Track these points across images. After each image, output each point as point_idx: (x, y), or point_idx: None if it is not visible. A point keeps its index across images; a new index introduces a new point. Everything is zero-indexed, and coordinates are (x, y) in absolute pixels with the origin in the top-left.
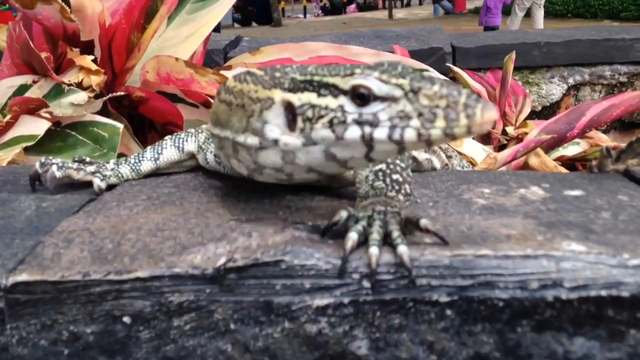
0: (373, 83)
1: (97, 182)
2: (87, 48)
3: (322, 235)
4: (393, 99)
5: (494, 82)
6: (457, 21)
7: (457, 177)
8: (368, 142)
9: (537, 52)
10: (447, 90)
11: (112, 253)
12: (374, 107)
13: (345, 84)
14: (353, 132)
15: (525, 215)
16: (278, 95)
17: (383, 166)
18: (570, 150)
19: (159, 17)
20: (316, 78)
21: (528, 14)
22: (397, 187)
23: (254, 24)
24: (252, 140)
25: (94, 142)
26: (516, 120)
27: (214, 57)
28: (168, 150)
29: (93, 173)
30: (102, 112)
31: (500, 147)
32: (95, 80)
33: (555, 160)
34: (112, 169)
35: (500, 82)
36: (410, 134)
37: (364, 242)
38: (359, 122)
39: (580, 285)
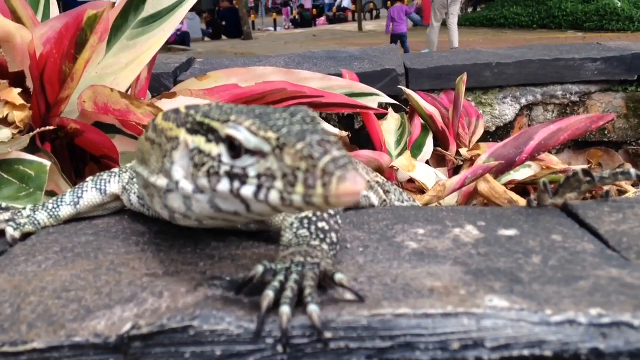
0: (242, 134)
1: (10, 232)
2: (17, 79)
3: (236, 293)
4: (262, 154)
5: (447, 104)
6: (426, 33)
7: (394, 216)
8: (240, 197)
9: (489, 73)
10: (309, 151)
11: (9, 320)
12: (245, 160)
13: (222, 131)
14: (224, 186)
15: (455, 262)
16: (182, 134)
17: (309, 213)
18: (522, 173)
19: (90, 47)
20: (207, 121)
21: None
22: (322, 236)
23: (224, 37)
24: (162, 182)
25: (19, 181)
26: (470, 142)
27: (163, 81)
28: (89, 194)
29: (7, 221)
30: (32, 148)
31: (455, 169)
32: (19, 116)
33: (505, 184)
34: (27, 216)
35: (453, 103)
36: (274, 197)
37: (279, 299)
38: (230, 175)
39: (502, 345)
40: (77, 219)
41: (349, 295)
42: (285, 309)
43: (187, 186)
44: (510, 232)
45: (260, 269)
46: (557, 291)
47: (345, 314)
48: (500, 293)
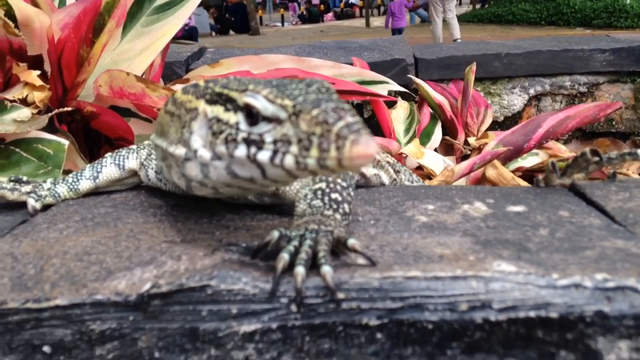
0: (260, 102)
1: (32, 203)
2: (35, 62)
3: (252, 257)
4: (279, 121)
5: (457, 93)
6: (430, 30)
7: (404, 193)
8: (256, 162)
9: (498, 63)
10: (324, 117)
11: (33, 279)
12: (262, 127)
13: (240, 100)
14: (241, 151)
15: (464, 233)
16: (202, 105)
17: (323, 184)
18: (529, 161)
19: (107, 32)
20: (225, 91)
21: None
22: (334, 206)
23: (231, 32)
24: (180, 151)
25: (38, 159)
26: (478, 131)
27: (175, 69)
28: (108, 168)
29: (28, 193)
30: (49, 128)
31: (463, 158)
32: (39, 97)
33: (513, 171)
34: (48, 189)
35: (462, 93)
36: (289, 161)
37: (294, 262)
38: (247, 142)
39: (509, 306)
40: (95, 193)
41: (361, 260)
42: (299, 269)
43: (205, 153)
44: (518, 208)
45: (275, 234)
46: (564, 259)
47: (358, 276)
48: (508, 259)
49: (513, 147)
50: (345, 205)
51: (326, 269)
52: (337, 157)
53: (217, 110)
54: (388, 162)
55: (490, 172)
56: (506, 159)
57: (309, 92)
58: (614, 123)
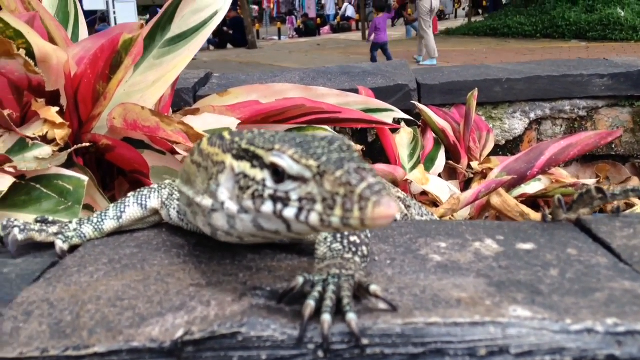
0: (285, 162)
1: (60, 244)
2: (52, 97)
3: (278, 302)
4: (304, 180)
5: (459, 118)
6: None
7: (417, 229)
8: (282, 218)
9: (499, 88)
10: (347, 178)
11: (70, 326)
12: (288, 185)
13: (267, 158)
14: (267, 207)
15: (478, 274)
16: (229, 159)
17: None
18: (532, 187)
19: (124, 68)
20: (252, 149)
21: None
22: (354, 249)
23: (229, 46)
24: (207, 202)
25: (59, 196)
26: (480, 155)
27: (183, 96)
28: (131, 208)
29: (55, 234)
30: (67, 162)
31: (466, 182)
32: (60, 134)
33: (517, 197)
34: (74, 229)
35: (464, 118)
36: (314, 218)
37: (319, 308)
38: (274, 198)
39: (526, 351)
40: (118, 232)
41: (382, 305)
42: (326, 317)
43: (232, 206)
44: (528, 246)
45: (300, 280)
46: (575, 302)
47: (381, 322)
48: (522, 303)
49: (517, 174)
50: (364, 248)
51: (351, 317)
52: (360, 218)
53: (244, 166)
54: (399, 198)
55: (495, 200)
56: (510, 185)
57: (331, 150)
58: (613, 146)
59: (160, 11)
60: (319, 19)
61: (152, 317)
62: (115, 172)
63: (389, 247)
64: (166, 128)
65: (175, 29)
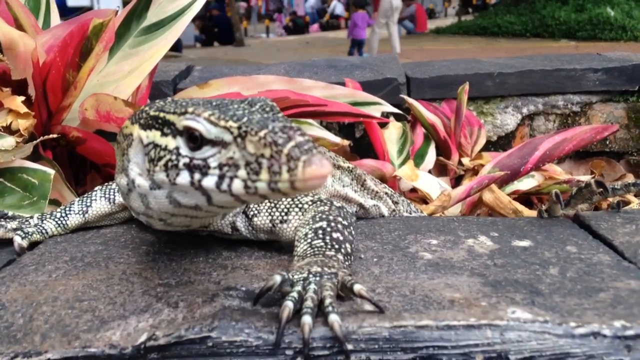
0: (202, 125)
1: (18, 241)
2: (19, 87)
3: (254, 304)
4: (224, 144)
5: (449, 113)
6: (419, 41)
7: (405, 226)
8: (201, 189)
9: (491, 83)
10: (273, 137)
11: (22, 330)
12: (205, 151)
13: (179, 123)
14: (183, 178)
15: (472, 273)
16: (136, 130)
17: (324, 223)
18: (525, 183)
19: (95, 56)
20: (161, 114)
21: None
22: (336, 246)
23: (216, 43)
24: (123, 181)
25: (23, 190)
26: (472, 151)
27: (162, 89)
28: (98, 203)
29: (14, 230)
30: (34, 155)
31: (457, 178)
32: (24, 125)
33: (510, 194)
34: (35, 225)
35: (455, 113)
36: (237, 186)
37: (299, 310)
38: (190, 167)
39: (526, 357)
40: (84, 228)
41: (368, 306)
42: (307, 319)
43: (143, 182)
44: (525, 243)
45: (277, 278)
46: (579, 303)
47: (366, 325)
48: (521, 304)
49: (509, 170)
50: (347, 245)
51: (334, 318)
52: (289, 180)
53: (154, 135)
54: (386, 193)
55: (487, 197)
56: (502, 182)
57: (252, 111)
58: (607, 142)
59: None
60: (307, 17)
61: (114, 320)
62: (88, 167)
63: (376, 244)
64: None
65: (152, 16)
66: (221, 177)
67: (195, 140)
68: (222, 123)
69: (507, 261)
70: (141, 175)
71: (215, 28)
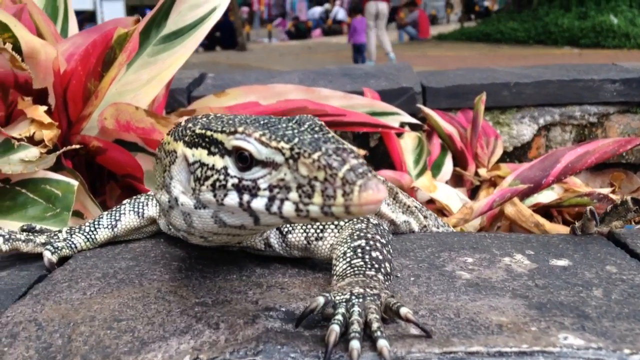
0: (252, 146)
1: (48, 256)
2: (40, 96)
3: (296, 326)
4: (274, 165)
5: (465, 123)
6: (422, 47)
7: (438, 242)
8: (249, 210)
9: (507, 93)
10: (327, 160)
11: (61, 351)
12: (255, 172)
13: (228, 143)
14: (232, 199)
15: (514, 294)
16: (180, 148)
17: (362, 242)
18: (546, 196)
19: (118, 65)
20: (208, 133)
21: None
22: (376, 266)
23: (218, 48)
24: (164, 197)
25: (46, 201)
26: (489, 162)
27: (177, 97)
28: (127, 217)
29: (43, 244)
30: (56, 165)
31: (473, 190)
32: (48, 135)
33: (530, 207)
34: (64, 239)
35: (472, 123)
36: (288, 209)
37: (344, 332)
38: (239, 188)
39: None
40: (112, 242)
41: (414, 330)
42: (355, 344)
43: (187, 201)
44: (563, 263)
45: (321, 300)
46: (629, 328)
47: (415, 351)
48: (571, 330)
49: (531, 182)
50: (387, 265)
51: (383, 343)
52: (344, 205)
53: (200, 154)
54: (416, 207)
55: (509, 210)
56: (524, 195)
57: (302, 131)
58: (624, 154)
59: (156, 6)
60: (309, 22)
61: (154, 341)
62: (106, 177)
63: (411, 262)
64: (162, 129)
65: (172, 25)
66: (271, 199)
67: (245, 160)
68: (274, 144)
69: (549, 282)
70: (185, 193)
71: (217, 32)
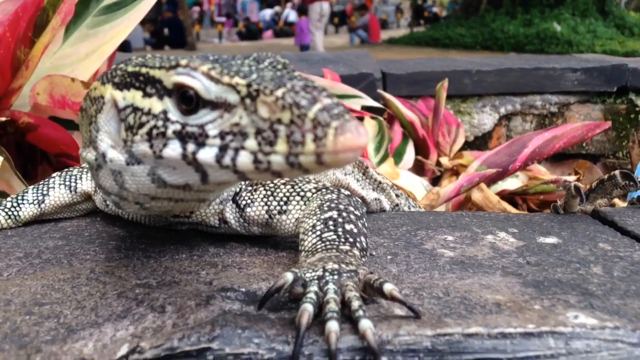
0: (199, 82)
1: None
2: None
3: (259, 308)
4: (227, 106)
5: (426, 111)
6: (373, 51)
7: (412, 221)
8: (194, 164)
9: (469, 81)
10: (294, 98)
11: None
12: (202, 116)
13: (168, 80)
14: (173, 150)
15: (505, 272)
16: (108, 91)
17: (334, 213)
18: (510, 183)
19: (51, 30)
20: (143, 70)
21: None
22: (351, 240)
23: (166, 47)
24: (91, 155)
25: None
26: (450, 151)
27: None
28: (56, 191)
29: None
30: None
31: (435, 179)
32: None
33: (496, 194)
34: None
35: (433, 110)
36: (244, 160)
37: (318, 313)
38: (182, 136)
39: None
40: (39, 221)
41: (399, 310)
42: (333, 325)
43: (116, 156)
44: (551, 240)
45: (289, 277)
46: None
47: (403, 334)
48: (579, 308)
49: (498, 168)
50: (362, 239)
51: (366, 325)
52: (315, 152)
53: (132, 96)
54: (387, 184)
55: (476, 196)
56: (489, 181)
57: (261, 68)
58: (584, 145)
59: None
60: (260, 23)
61: (84, 328)
62: (38, 158)
63: (386, 240)
64: None
65: None
66: (223, 149)
67: (190, 101)
68: (226, 79)
69: (541, 259)
70: (115, 147)
71: (166, 28)
